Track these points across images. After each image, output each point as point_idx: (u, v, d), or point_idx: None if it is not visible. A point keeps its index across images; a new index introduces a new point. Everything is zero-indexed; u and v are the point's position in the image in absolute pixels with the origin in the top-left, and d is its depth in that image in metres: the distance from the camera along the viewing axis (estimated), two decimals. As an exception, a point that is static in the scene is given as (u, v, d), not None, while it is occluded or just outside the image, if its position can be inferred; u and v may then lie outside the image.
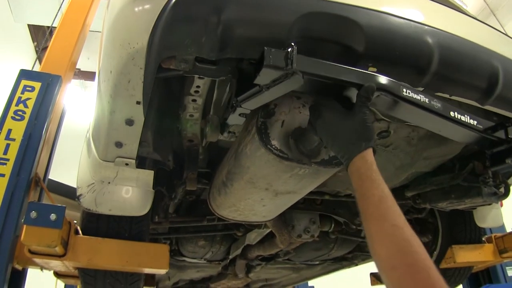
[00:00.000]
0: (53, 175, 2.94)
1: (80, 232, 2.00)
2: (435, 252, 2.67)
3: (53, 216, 1.76)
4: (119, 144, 1.57)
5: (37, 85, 2.45)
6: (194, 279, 4.04)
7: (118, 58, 1.25)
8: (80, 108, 8.88)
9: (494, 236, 2.86)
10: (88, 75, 8.35)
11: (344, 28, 1.22)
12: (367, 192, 1.02)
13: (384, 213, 0.97)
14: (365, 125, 1.11)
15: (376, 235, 0.96)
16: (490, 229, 3.12)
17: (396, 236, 0.92)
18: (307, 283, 5.20)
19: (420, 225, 2.71)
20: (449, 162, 2.08)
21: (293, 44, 1.12)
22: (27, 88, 2.42)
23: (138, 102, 1.36)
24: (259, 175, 1.45)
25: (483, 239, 2.84)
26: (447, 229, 2.62)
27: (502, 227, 3.01)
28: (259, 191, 1.56)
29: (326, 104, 1.21)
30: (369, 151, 1.07)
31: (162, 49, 1.19)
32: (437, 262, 2.63)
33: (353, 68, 1.19)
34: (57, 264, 1.93)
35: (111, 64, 1.29)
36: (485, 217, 2.54)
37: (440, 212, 2.71)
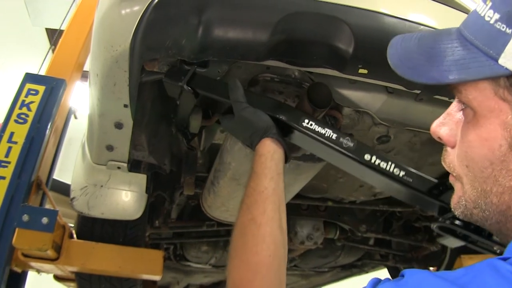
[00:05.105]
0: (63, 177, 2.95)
1: (74, 236, 1.99)
2: (444, 261, 2.57)
3: (45, 220, 1.74)
4: (110, 148, 1.56)
5: (41, 88, 2.43)
6: (203, 284, 4.01)
7: (103, 61, 1.23)
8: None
9: (507, 246, 2.74)
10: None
11: (330, 28, 1.17)
12: (248, 182, 1.08)
13: (249, 205, 1.01)
14: (248, 122, 1.17)
15: (236, 223, 1.01)
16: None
17: (247, 232, 0.96)
18: (321, 290, 5.11)
19: (430, 233, 2.63)
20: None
21: (195, 66, 1.24)
22: (31, 92, 2.41)
23: (125, 105, 1.35)
24: (241, 171, 1.45)
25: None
26: (456, 237, 2.51)
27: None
28: (244, 189, 1.54)
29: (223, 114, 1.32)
30: (262, 143, 1.13)
31: (144, 51, 1.17)
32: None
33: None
34: (51, 267, 1.92)
35: (97, 67, 1.28)
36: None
37: (450, 220, 2.62)
